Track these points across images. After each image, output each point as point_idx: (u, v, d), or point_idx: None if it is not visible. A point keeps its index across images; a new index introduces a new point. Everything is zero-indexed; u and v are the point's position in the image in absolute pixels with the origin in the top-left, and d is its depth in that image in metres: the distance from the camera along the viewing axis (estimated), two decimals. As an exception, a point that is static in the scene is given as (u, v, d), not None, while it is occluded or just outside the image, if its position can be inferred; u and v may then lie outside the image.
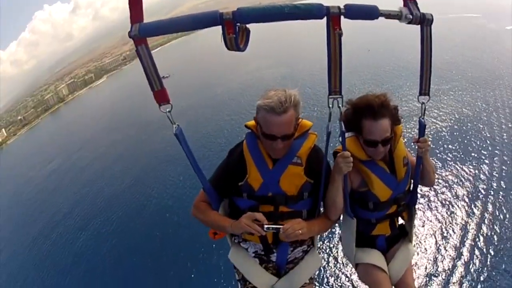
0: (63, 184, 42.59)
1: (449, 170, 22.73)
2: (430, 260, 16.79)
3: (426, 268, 16.41)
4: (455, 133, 26.84)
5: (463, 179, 21.74)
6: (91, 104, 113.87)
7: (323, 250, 18.24)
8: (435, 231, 18.32)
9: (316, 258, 2.15)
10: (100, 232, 27.92)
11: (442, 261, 16.62)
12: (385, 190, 2.03)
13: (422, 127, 1.90)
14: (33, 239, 31.13)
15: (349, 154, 1.79)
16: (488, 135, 25.80)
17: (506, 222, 17.89)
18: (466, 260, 16.43)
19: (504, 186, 20.37)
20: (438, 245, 17.51)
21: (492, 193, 20.11)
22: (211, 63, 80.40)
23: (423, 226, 18.52)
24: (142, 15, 1.47)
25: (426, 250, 17.27)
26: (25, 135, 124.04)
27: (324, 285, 16.67)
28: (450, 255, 16.87)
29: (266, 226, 1.73)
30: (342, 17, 1.46)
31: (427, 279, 15.91)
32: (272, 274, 2.02)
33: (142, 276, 21.14)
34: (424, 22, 1.61)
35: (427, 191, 20.27)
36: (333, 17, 1.45)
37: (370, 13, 1.48)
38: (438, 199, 20.31)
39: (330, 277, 17.03)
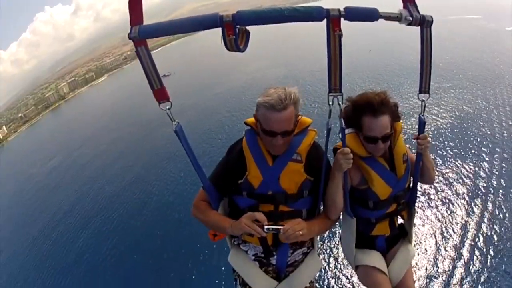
0: (63, 181, 42.73)
1: (449, 167, 22.79)
2: (430, 260, 16.80)
3: (426, 269, 16.42)
4: (455, 130, 26.94)
5: (463, 177, 21.80)
6: (92, 102, 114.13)
7: (323, 251, 18.26)
8: (435, 231, 18.33)
9: (316, 260, 2.13)
10: (101, 230, 27.97)
11: (442, 262, 16.63)
12: (385, 187, 2.03)
13: (422, 124, 1.92)
14: (34, 237, 31.22)
15: (349, 150, 1.79)
16: (489, 132, 25.88)
17: (506, 222, 17.93)
18: (466, 260, 16.44)
19: (504, 184, 20.42)
20: (438, 245, 17.53)
21: (492, 191, 20.15)
22: (212, 63, 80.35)
23: (423, 225, 18.56)
24: (142, 17, 1.50)
25: (426, 251, 17.30)
26: (26, 132, 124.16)
27: (325, 286, 16.67)
28: (450, 256, 16.88)
29: (266, 227, 1.71)
30: (342, 19, 1.46)
31: (427, 280, 15.92)
32: (272, 278, 2.00)
33: (143, 274, 21.17)
34: (424, 23, 1.62)
35: (427, 190, 20.32)
36: (333, 20, 1.45)
37: (370, 15, 1.49)
38: (438, 198, 20.34)
39: (330, 279, 17.04)
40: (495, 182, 20.76)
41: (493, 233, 17.48)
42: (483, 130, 26.41)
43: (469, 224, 18.35)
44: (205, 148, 31.89)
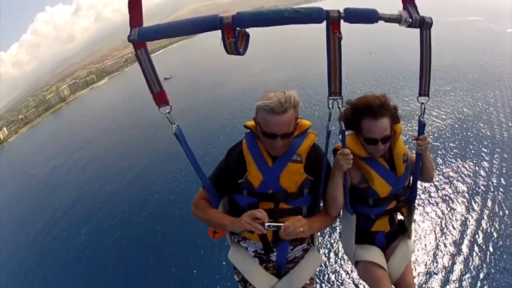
0: (64, 181, 42.62)
1: (450, 167, 22.77)
2: (430, 257, 16.78)
3: (425, 264, 16.41)
4: (455, 132, 26.94)
5: (463, 176, 21.81)
6: (93, 105, 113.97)
7: (323, 246, 18.26)
8: (435, 228, 18.31)
9: (316, 257, 2.15)
10: (101, 227, 27.93)
11: (441, 258, 16.61)
12: (385, 186, 2.05)
13: (421, 126, 1.94)
14: (34, 235, 31.17)
15: (349, 151, 1.80)
16: (488, 133, 25.88)
17: (506, 219, 17.90)
18: (465, 257, 16.43)
19: (504, 184, 20.41)
20: (437, 241, 17.51)
21: (492, 190, 20.14)
22: (213, 65, 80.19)
23: (423, 222, 18.53)
24: (141, 19, 1.49)
25: (426, 247, 17.27)
26: (26, 134, 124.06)
27: (325, 282, 16.65)
28: (449, 252, 16.86)
29: (267, 224, 1.72)
30: (342, 21, 1.46)
31: (427, 276, 15.90)
32: (272, 275, 2.01)
33: (144, 271, 21.14)
34: (424, 25, 1.62)
35: (428, 187, 20.32)
36: (332, 21, 1.45)
37: (370, 17, 1.49)
38: (438, 196, 20.32)
39: (330, 274, 17.03)
40: (495, 181, 20.76)
41: (492, 230, 17.49)
42: (483, 131, 26.40)
43: (469, 221, 18.36)
44: (206, 149, 31.87)
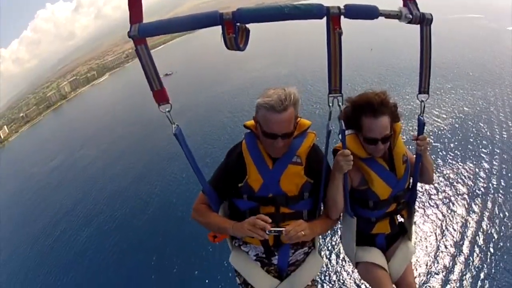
0: (65, 181, 42.75)
1: (450, 167, 22.80)
2: (431, 258, 16.82)
3: (426, 265, 16.45)
4: (456, 131, 26.99)
5: (463, 177, 21.83)
6: (94, 101, 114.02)
7: (325, 247, 18.30)
8: (435, 229, 18.35)
9: (318, 259, 2.13)
10: (103, 229, 28.00)
11: (442, 259, 16.66)
12: (385, 188, 2.04)
13: (421, 125, 1.92)
14: (35, 235, 31.29)
15: (349, 152, 1.79)
16: (488, 133, 25.92)
17: (506, 220, 17.96)
18: (466, 257, 16.49)
19: (503, 184, 20.47)
20: (438, 243, 17.55)
21: (492, 191, 20.19)
22: (214, 61, 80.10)
23: (423, 223, 18.57)
24: (141, 15, 1.49)
25: (427, 248, 17.32)
26: (27, 132, 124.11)
27: (326, 282, 16.71)
28: (450, 253, 16.91)
29: (268, 229, 1.71)
30: (342, 17, 1.46)
31: (427, 276, 15.95)
32: (274, 277, 2.00)
33: (146, 272, 21.20)
34: (424, 21, 1.62)
35: (428, 189, 20.34)
36: (333, 17, 1.45)
37: (370, 13, 1.49)
38: (438, 197, 20.36)
39: (332, 275, 17.09)
40: (495, 182, 20.80)
41: (492, 231, 17.52)
42: (483, 131, 26.44)
43: (469, 223, 18.39)
44: (207, 149, 31.89)
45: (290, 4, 1.40)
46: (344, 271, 17.05)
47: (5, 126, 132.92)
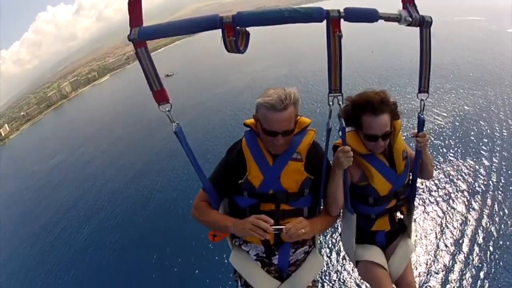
0: (66, 178, 42.72)
1: (450, 166, 22.77)
2: (430, 256, 16.78)
3: (426, 264, 16.41)
4: (456, 129, 27.00)
5: (463, 174, 21.81)
6: (94, 101, 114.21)
7: (325, 246, 18.24)
8: (435, 227, 18.30)
9: (318, 259, 2.13)
10: (103, 226, 27.95)
11: (442, 258, 16.61)
12: (384, 184, 2.05)
13: (421, 123, 1.94)
14: (36, 233, 31.26)
15: (349, 148, 1.80)
16: (489, 131, 25.91)
17: (506, 218, 17.88)
18: (466, 256, 16.43)
19: (503, 182, 20.44)
20: (438, 240, 17.51)
21: (491, 188, 20.14)
22: (214, 63, 79.95)
23: (423, 221, 18.53)
24: (141, 19, 1.50)
25: (426, 246, 17.27)
26: (28, 130, 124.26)
27: (326, 281, 16.67)
28: (450, 251, 16.87)
29: (269, 230, 1.70)
30: (342, 20, 1.47)
31: (427, 275, 15.92)
32: (275, 278, 1.99)
33: (146, 270, 21.17)
34: (423, 24, 1.63)
35: (428, 186, 20.38)
36: (333, 21, 1.45)
37: (370, 16, 1.50)
38: (438, 195, 20.32)
39: (332, 274, 17.05)
40: (495, 180, 20.77)
41: (492, 229, 17.48)
42: (483, 129, 26.44)
43: (469, 220, 18.35)
44: (208, 146, 31.91)
45: (290, 8, 1.41)
46: (345, 270, 16.99)
47: (5, 124, 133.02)
